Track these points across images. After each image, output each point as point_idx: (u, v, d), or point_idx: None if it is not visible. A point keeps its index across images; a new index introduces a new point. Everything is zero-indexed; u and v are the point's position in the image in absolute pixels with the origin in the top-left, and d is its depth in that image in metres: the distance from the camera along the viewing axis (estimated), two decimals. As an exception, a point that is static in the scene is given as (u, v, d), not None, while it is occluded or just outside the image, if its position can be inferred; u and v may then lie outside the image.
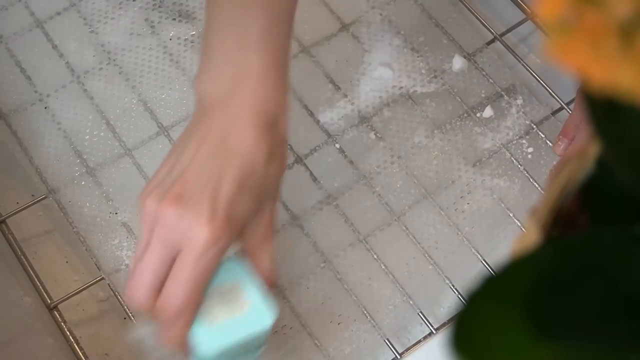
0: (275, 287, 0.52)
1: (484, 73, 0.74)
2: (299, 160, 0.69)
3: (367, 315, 0.64)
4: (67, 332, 0.62)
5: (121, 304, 0.63)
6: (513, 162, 0.70)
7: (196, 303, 0.48)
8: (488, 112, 0.72)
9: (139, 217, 0.49)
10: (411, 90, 0.73)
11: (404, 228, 0.67)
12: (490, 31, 0.75)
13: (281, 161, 0.51)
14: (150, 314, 0.49)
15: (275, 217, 0.52)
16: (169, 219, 0.46)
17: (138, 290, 0.47)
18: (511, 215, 0.68)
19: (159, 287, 0.48)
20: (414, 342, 0.63)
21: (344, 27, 0.76)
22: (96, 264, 0.65)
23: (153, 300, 0.48)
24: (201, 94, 0.51)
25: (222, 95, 0.50)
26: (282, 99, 0.51)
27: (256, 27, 0.50)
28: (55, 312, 0.63)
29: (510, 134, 0.71)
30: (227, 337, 0.49)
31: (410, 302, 0.64)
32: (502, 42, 0.75)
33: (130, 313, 0.63)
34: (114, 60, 0.74)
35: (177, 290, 0.47)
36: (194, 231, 0.46)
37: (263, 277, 0.51)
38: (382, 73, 0.73)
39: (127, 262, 0.65)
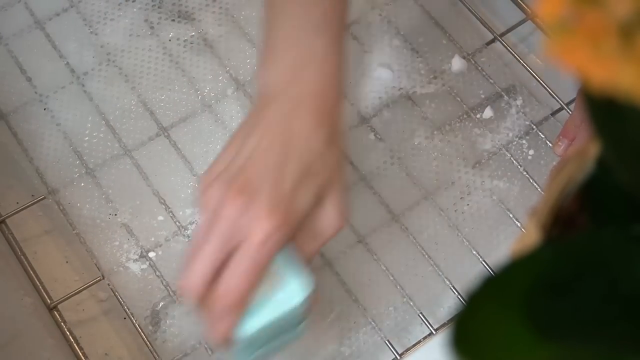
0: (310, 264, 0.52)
1: (483, 73, 0.74)
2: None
3: (367, 316, 0.64)
4: (67, 332, 0.62)
5: (121, 304, 0.63)
6: (513, 162, 0.70)
7: (250, 295, 0.48)
8: (488, 112, 0.72)
9: (197, 205, 0.49)
10: (411, 91, 0.73)
11: (404, 229, 0.67)
12: (490, 31, 0.75)
13: (339, 146, 0.51)
14: (201, 305, 0.49)
15: (342, 203, 0.51)
16: (231, 212, 0.47)
17: (193, 280, 0.48)
18: (511, 216, 0.68)
19: (213, 279, 0.48)
20: (414, 342, 0.63)
21: (344, 27, 0.76)
22: (96, 264, 0.65)
23: (206, 292, 0.48)
24: (262, 84, 0.52)
25: (283, 85, 0.50)
26: (340, 84, 0.52)
27: (316, 13, 0.51)
28: (55, 312, 0.63)
29: (510, 134, 0.71)
30: (262, 318, 0.49)
31: (411, 302, 0.64)
32: (502, 42, 0.75)
33: (130, 313, 0.63)
34: (114, 61, 0.74)
35: (235, 282, 0.47)
36: (256, 224, 0.46)
37: (304, 260, 0.51)
38: (381, 74, 0.73)
39: (126, 263, 0.65)
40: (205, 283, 0.47)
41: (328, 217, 0.50)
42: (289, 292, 0.49)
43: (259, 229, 0.46)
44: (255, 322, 0.49)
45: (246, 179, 0.47)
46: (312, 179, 0.48)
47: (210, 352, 0.60)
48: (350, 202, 0.52)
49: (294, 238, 0.50)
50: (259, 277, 0.48)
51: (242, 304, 0.48)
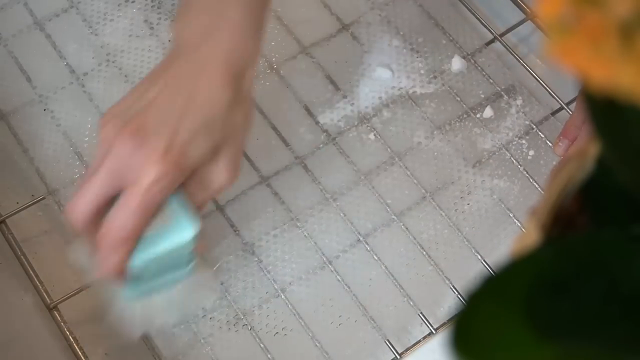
0: (199, 216, 0.54)
1: (483, 73, 0.74)
2: (299, 160, 0.69)
3: (367, 315, 0.64)
4: (67, 332, 0.62)
5: (121, 305, 0.63)
6: (513, 162, 0.70)
7: (139, 233, 0.50)
8: (488, 112, 0.72)
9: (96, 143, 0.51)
10: (411, 91, 0.73)
11: (404, 228, 0.67)
12: (490, 31, 0.75)
13: (245, 114, 0.53)
14: (87, 236, 0.51)
15: (234, 163, 0.53)
16: (123, 150, 0.48)
17: (78, 208, 0.50)
18: (511, 215, 0.68)
19: (97, 211, 0.50)
20: (414, 342, 0.63)
21: (344, 27, 0.76)
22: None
23: (89, 222, 0.50)
24: (177, 37, 0.54)
25: (196, 41, 0.52)
26: (253, 53, 0.53)
27: None
28: (55, 312, 0.63)
29: (510, 134, 0.71)
30: (151, 252, 0.51)
31: (411, 302, 0.64)
32: (502, 42, 0.75)
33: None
34: (114, 61, 0.74)
35: (123, 220, 0.49)
36: (147, 166, 0.48)
37: (194, 207, 0.53)
38: (381, 74, 0.73)
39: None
40: (90, 212, 0.49)
41: (218, 173, 0.52)
42: (178, 230, 0.52)
43: (150, 171, 0.48)
44: (145, 255, 0.51)
45: (143, 122, 0.49)
46: (209, 134, 0.50)
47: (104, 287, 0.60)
48: (240, 164, 0.54)
49: (186, 186, 0.52)
50: (147, 217, 0.49)
51: (130, 241, 0.50)
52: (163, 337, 0.63)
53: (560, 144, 0.68)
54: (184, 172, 0.50)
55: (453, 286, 0.64)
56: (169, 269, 0.55)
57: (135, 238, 0.50)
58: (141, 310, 0.58)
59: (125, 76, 0.73)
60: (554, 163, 0.70)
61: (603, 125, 0.26)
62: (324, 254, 0.66)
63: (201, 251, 0.56)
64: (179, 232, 0.52)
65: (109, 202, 0.50)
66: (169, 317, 0.62)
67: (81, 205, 0.49)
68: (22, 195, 0.68)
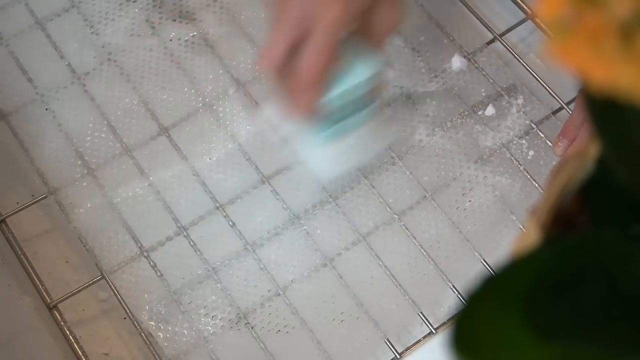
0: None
1: (483, 73, 0.74)
2: (300, 160, 0.69)
3: (368, 315, 0.64)
4: (67, 332, 0.62)
5: (121, 304, 0.63)
6: (513, 162, 0.70)
7: (327, 71, 0.55)
8: (490, 110, 0.72)
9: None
10: (412, 90, 0.73)
11: (405, 228, 0.67)
12: (490, 31, 0.75)
13: None
14: (279, 79, 0.56)
15: (396, 2, 0.57)
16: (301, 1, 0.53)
17: (271, 55, 0.54)
18: (512, 215, 0.68)
19: (287, 56, 0.54)
20: (414, 341, 0.63)
21: (345, 27, 0.76)
22: (96, 264, 0.65)
23: (282, 66, 0.54)
24: None
25: None
26: None
27: None
28: (55, 312, 0.63)
29: (511, 133, 0.71)
30: (338, 87, 0.56)
31: (411, 302, 0.64)
32: (502, 42, 0.75)
33: (130, 313, 0.63)
34: (115, 61, 0.74)
35: (311, 60, 0.53)
36: (324, 10, 0.52)
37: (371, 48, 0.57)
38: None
39: (127, 263, 0.65)
40: (283, 55, 0.54)
41: (385, 13, 0.56)
42: (357, 69, 0.57)
43: (328, 13, 0.52)
44: (333, 93, 0.56)
45: None
46: None
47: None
48: (405, 3, 0.58)
49: (361, 32, 0.57)
50: (332, 55, 0.54)
51: (320, 78, 0.54)
52: (163, 337, 0.63)
53: (559, 144, 0.68)
54: (356, 11, 0.54)
55: (453, 286, 0.64)
56: (354, 109, 0.60)
57: (324, 76, 0.54)
58: (332, 152, 0.62)
59: (127, 76, 0.73)
60: (554, 163, 0.70)
61: (603, 125, 0.26)
62: (324, 253, 0.66)
63: (382, 91, 0.62)
64: (361, 68, 0.57)
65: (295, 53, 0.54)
66: (358, 157, 0.66)
67: (273, 50, 0.54)
68: (22, 195, 0.68)
